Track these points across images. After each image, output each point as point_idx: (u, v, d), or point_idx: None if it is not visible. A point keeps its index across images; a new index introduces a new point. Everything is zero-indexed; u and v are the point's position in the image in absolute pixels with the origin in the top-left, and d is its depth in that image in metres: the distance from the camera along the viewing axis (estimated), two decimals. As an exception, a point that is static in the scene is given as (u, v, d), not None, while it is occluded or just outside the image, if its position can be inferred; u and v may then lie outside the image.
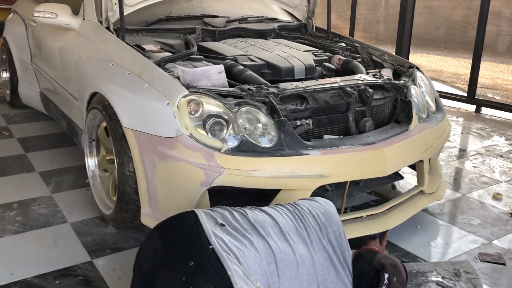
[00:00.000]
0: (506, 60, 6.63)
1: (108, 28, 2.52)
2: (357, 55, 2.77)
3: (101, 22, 2.58)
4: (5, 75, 4.50)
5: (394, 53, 3.13)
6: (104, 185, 2.39)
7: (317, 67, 2.45)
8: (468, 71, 5.05)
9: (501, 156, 3.45)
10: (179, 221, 1.43)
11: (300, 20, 3.33)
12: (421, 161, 2.23)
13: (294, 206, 1.54)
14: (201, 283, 1.23)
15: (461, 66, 6.49)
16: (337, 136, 2.07)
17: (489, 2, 4.72)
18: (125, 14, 2.56)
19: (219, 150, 1.79)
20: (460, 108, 4.97)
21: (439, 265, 1.97)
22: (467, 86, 5.02)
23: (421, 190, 2.33)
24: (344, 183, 2.00)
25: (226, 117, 1.86)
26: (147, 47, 2.34)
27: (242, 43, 2.63)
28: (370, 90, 2.21)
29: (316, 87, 2.12)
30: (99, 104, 2.15)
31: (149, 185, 1.92)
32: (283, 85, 2.09)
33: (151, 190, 1.92)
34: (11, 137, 3.58)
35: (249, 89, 2.01)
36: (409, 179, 2.73)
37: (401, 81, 2.42)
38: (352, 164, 1.93)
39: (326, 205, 1.58)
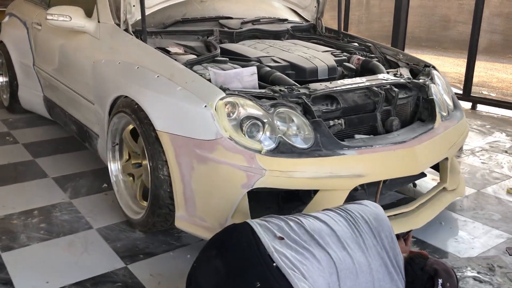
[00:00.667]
0: (500, 59, 6.80)
1: (126, 30, 2.49)
2: (373, 55, 2.80)
3: (118, 25, 2.55)
4: (1, 79, 4.41)
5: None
6: (128, 190, 2.36)
7: (338, 67, 2.47)
8: (463, 69, 5.16)
9: (506, 152, 3.53)
10: (236, 236, 1.39)
11: (309, 21, 3.34)
12: (446, 158, 2.27)
13: (346, 212, 1.52)
14: None
15: (456, 64, 6.63)
16: (368, 136, 2.10)
17: (483, 1, 4.82)
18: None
19: (259, 151, 1.79)
20: (457, 105, 5.06)
21: (471, 260, 2.01)
22: (462, 85, 5.13)
23: (443, 187, 2.37)
24: (376, 182, 2.02)
25: (262, 118, 1.86)
26: (172, 49, 2.32)
27: (261, 45, 2.63)
28: (396, 89, 2.24)
29: (345, 87, 2.14)
30: (127, 107, 2.13)
31: (186, 188, 1.91)
32: (313, 85, 2.11)
33: (188, 193, 1.91)
34: (16, 143, 3.50)
35: (280, 90, 2.02)
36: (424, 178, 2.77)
37: (421, 80, 2.46)
38: (387, 163, 1.96)
39: (376, 208, 1.57)
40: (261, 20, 3.03)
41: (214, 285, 1.32)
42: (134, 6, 2.48)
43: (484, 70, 6.49)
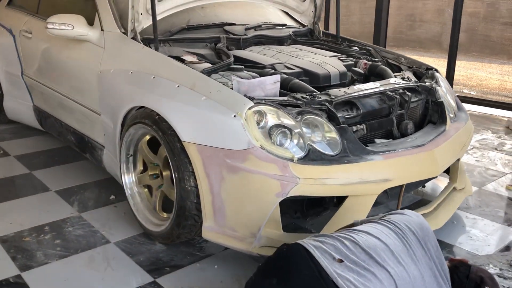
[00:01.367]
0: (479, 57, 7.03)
1: (134, 39, 2.44)
2: (376, 59, 2.85)
3: (124, 33, 2.50)
4: (-18, 89, 4.23)
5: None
6: (144, 202, 2.32)
7: (347, 72, 2.50)
8: (443, 69, 5.32)
9: (496, 149, 3.67)
10: (295, 263, 1.35)
11: (305, 25, 3.37)
12: (458, 159, 2.34)
13: (393, 224, 1.50)
14: None
15: (437, 64, 6.83)
16: (388, 140, 2.14)
17: (462, 2, 4.99)
18: (149, 24, 2.51)
19: (291, 160, 1.79)
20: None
21: (491, 257, 2.08)
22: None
23: (453, 187, 2.45)
24: (399, 185, 2.06)
25: (290, 126, 1.87)
26: (187, 58, 2.29)
27: (269, 51, 2.64)
28: (409, 93, 2.30)
29: (362, 92, 2.17)
30: (146, 118, 2.09)
31: (215, 199, 1.89)
32: (332, 91, 2.13)
33: (217, 204, 1.90)
34: (7, 155, 3.37)
35: (302, 97, 2.03)
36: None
37: (427, 83, 2.52)
38: (410, 166, 2.00)
39: (418, 218, 1.57)
40: (262, 25, 3.03)
41: None
42: (141, 14, 2.44)
43: (464, 70, 6.72)
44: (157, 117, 2.04)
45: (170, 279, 1.95)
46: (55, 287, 1.89)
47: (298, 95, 2.04)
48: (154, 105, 2.07)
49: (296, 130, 1.86)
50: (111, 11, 2.60)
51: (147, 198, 2.32)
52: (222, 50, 2.50)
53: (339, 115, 2.00)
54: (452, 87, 5.24)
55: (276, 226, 1.87)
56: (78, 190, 2.81)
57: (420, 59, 2.98)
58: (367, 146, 2.01)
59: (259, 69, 2.34)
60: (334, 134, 1.92)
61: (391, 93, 2.24)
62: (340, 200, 1.98)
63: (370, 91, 2.20)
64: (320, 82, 2.35)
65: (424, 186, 2.66)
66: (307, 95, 2.05)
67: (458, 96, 2.72)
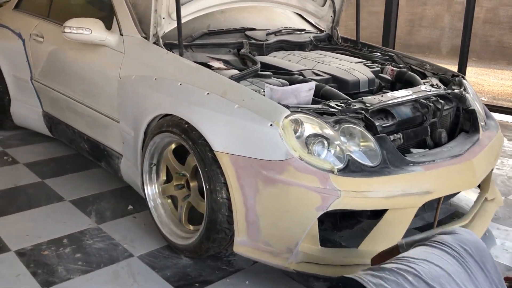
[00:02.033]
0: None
1: (156, 44, 2.36)
2: (400, 65, 2.78)
3: (144, 38, 2.41)
4: (-12, 94, 4.13)
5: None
6: (168, 213, 2.23)
7: (375, 79, 2.43)
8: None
9: (514, 156, 3.61)
10: None
11: (323, 30, 3.30)
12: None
13: (449, 247, 1.38)
14: None
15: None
16: (424, 150, 2.06)
17: (473, 8, 4.95)
18: (170, 28, 2.43)
19: (331, 171, 1.71)
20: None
21: (532, 271, 2.01)
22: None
23: (485, 198, 2.38)
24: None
25: (328, 136, 1.79)
26: (214, 64, 2.21)
27: (293, 57, 2.57)
28: (442, 101, 2.23)
29: (396, 100, 2.10)
30: (174, 127, 2.00)
31: (249, 212, 1.81)
32: (367, 99, 2.05)
33: (251, 217, 1.81)
34: (16, 163, 3.27)
35: (337, 105, 1.95)
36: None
37: (456, 90, 2.46)
38: (450, 178, 1.93)
39: (471, 236, 1.45)
40: (282, 31, 2.95)
41: None
42: (164, 18, 2.36)
43: (475, 75, 6.69)
44: (186, 125, 1.96)
45: (201, 296, 1.86)
46: (80, 305, 1.80)
47: (332, 103, 1.96)
48: (183, 113, 1.98)
49: (335, 141, 1.78)
50: (130, 15, 2.51)
51: (171, 209, 2.23)
52: (248, 56, 2.42)
53: (376, 123, 1.93)
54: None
55: (313, 241, 1.79)
56: (94, 200, 2.71)
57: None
58: (405, 156, 1.93)
59: (286, 75, 2.27)
60: (372, 144, 1.85)
61: (424, 101, 2.17)
62: (375, 212, 1.91)
63: (404, 98, 2.13)
64: (349, 89, 2.28)
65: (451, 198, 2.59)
66: (341, 103, 1.97)
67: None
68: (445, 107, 2.28)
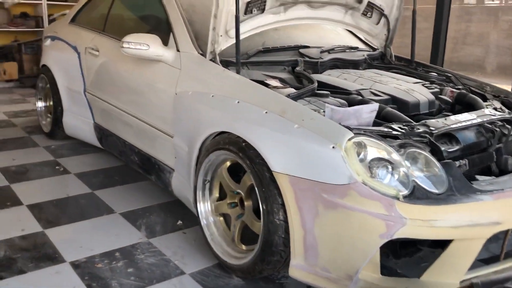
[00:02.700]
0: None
1: (213, 61, 2.36)
2: (459, 87, 2.69)
3: (201, 54, 2.43)
4: (41, 104, 4.27)
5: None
6: (220, 232, 2.21)
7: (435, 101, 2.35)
8: None
9: None
10: None
11: (376, 48, 3.24)
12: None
13: None
14: None
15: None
16: (491, 177, 1.97)
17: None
18: (227, 46, 2.44)
19: (396, 198, 1.65)
20: None
21: None
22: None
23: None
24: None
25: (392, 160, 1.73)
26: (271, 82, 2.19)
27: (349, 75, 2.52)
28: (508, 126, 2.13)
29: (461, 124, 2.01)
30: (231, 145, 1.98)
31: (307, 235, 1.76)
32: (430, 122, 1.98)
33: (309, 241, 1.76)
34: (67, 173, 3.34)
35: (400, 127, 1.89)
36: None
37: (521, 114, 2.34)
38: (520, 207, 1.82)
39: None
40: (335, 48, 2.92)
41: None
42: (221, 36, 2.36)
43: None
44: (243, 144, 1.94)
45: (255, 320, 1.82)
46: (134, 322, 1.79)
47: (395, 126, 1.90)
48: (241, 131, 1.96)
49: (400, 165, 1.72)
50: (187, 32, 2.54)
51: (224, 228, 2.21)
52: (303, 74, 2.39)
53: (441, 148, 1.85)
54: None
55: (374, 269, 1.72)
56: (143, 213, 2.72)
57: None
58: (472, 183, 1.84)
59: (344, 94, 2.22)
60: (438, 170, 1.77)
61: (489, 125, 2.08)
62: (436, 241, 1.82)
63: (468, 122, 2.04)
64: (409, 110, 2.21)
65: None
66: (404, 126, 1.91)
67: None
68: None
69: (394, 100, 2.24)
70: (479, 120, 2.10)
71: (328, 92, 2.18)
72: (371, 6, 2.94)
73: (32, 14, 6.79)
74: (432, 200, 1.68)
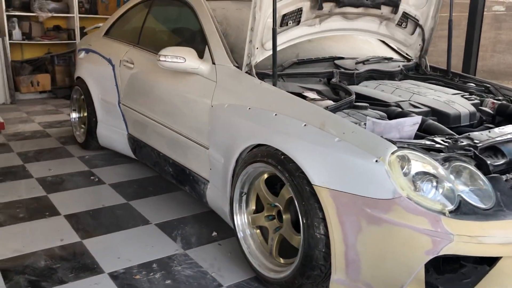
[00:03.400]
0: None
1: (249, 73, 2.37)
2: (499, 98, 2.62)
3: (237, 67, 2.44)
4: (75, 115, 4.36)
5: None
6: (256, 244, 2.20)
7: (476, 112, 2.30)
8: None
9: None
10: None
11: (410, 59, 3.20)
12: None
13: None
14: None
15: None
16: (537, 192, 1.90)
17: None
18: (262, 58, 2.44)
19: (442, 213, 1.61)
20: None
21: None
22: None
23: None
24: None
25: (437, 174, 1.69)
26: (308, 94, 2.18)
27: (386, 87, 2.49)
28: (555, 139, 2.06)
29: (507, 136, 1.96)
30: (269, 157, 1.98)
31: (349, 250, 1.73)
32: (474, 135, 1.94)
33: (351, 256, 1.73)
34: (102, 183, 3.39)
35: (443, 141, 1.85)
36: None
37: None
38: None
39: None
40: (370, 59, 2.89)
41: None
42: (257, 48, 2.37)
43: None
44: (282, 157, 1.93)
45: (296, 335, 1.79)
46: (174, 335, 1.78)
47: (438, 139, 1.87)
48: (279, 144, 1.96)
49: (445, 179, 1.68)
50: (222, 45, 2.56)
51: (261, 241, 2.20)
52: (340, 86, 2.37)
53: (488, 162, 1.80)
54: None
55: (419, 286, 1.68)
56: (178, 224, 2.74)
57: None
58: (517, 198, 1.78)
59: (383, 106, 2.20)
60: (484, 185, 1.72)
61: (535, 138, 2.01)
62: (482, 257, 1.76)
63: (513, 135, 1.99)
64: (449, 122, 2.16)
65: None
66: (447, 138, 1.87)
67: None
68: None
69: (434, 112, 2.20)
70: (524, 132, 2.04)
71: (367, 104, 2.16)
72: (405, 17, 2.91)
73: (64, 27, 6.98)
74: (480, 216, 1.64)
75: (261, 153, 2.05)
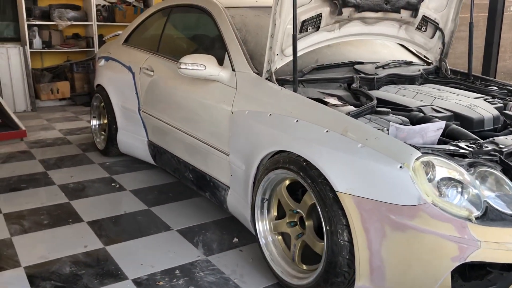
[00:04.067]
0: None
1: (269, 80, 2.38)
2: (523, 101, 2.58)
3: (257, 74, 2.45)
4: (96, 122, 4.42)
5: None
6: (278, 251, 2.20)
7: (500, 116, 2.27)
8: None
9: None
10: None
11: (430, 62, 3.18)
12: None
13: None
14: None
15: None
16: None
17: None
18: (282, 64, 2.45)
19: (469, 219, 1.59)
20: None
21: None
22: None
23: None
24: None
25: (462, 180, 1.67)
26: (329, 100, 2.18)
27: (407, 91, 2.48)
28: None
29: (531, 141, 1.93)
30: (291, 164, 1.98)
31: (373, 257, 1.73)
32: (499, 140, 1.91)
33: (376, 262, 1.72)
34: (123, 190, 3.43)
35: (467, 146, 1.83)
36: None
37: None
38: None
39: None
40: (390, 64, 2.88)
41: None
42: (277, 55, 2.38)
43: None
44: (304, 163, 1.93)
45: None
46: None
47: (462, 144, 1.85)
48: (301, 151, 1.96)
49: (471, 185, 1.66)
50: (242, 52, 2.57)
51: (283, 247, 2.20)
52: (361, 91, 2.37)
53: (512, 167, 1.78)
54: None
55: (446, 293, 1.66)
56: (199, 230, 2.75)
57: None
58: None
59: (404, 111, 2.18)
60: (511, 190, 1.70)
61: (561, 142, 1.98)
62: (510, 265, 1.73)
63: (539, 139, 1.95)
64: (473, 127, 2.14)
65: None
66: (472, 143, 1.85)
67: None
68: None
69: (456, 117, 2.18)
70: (549, 136, 2.01)
71: (389, 110, 2.15)
72: (425, 20, 2.89)
73: (83, 35, 7.09)
74: (507, 222, 1.61)
75: (282, 159, 2.05)
